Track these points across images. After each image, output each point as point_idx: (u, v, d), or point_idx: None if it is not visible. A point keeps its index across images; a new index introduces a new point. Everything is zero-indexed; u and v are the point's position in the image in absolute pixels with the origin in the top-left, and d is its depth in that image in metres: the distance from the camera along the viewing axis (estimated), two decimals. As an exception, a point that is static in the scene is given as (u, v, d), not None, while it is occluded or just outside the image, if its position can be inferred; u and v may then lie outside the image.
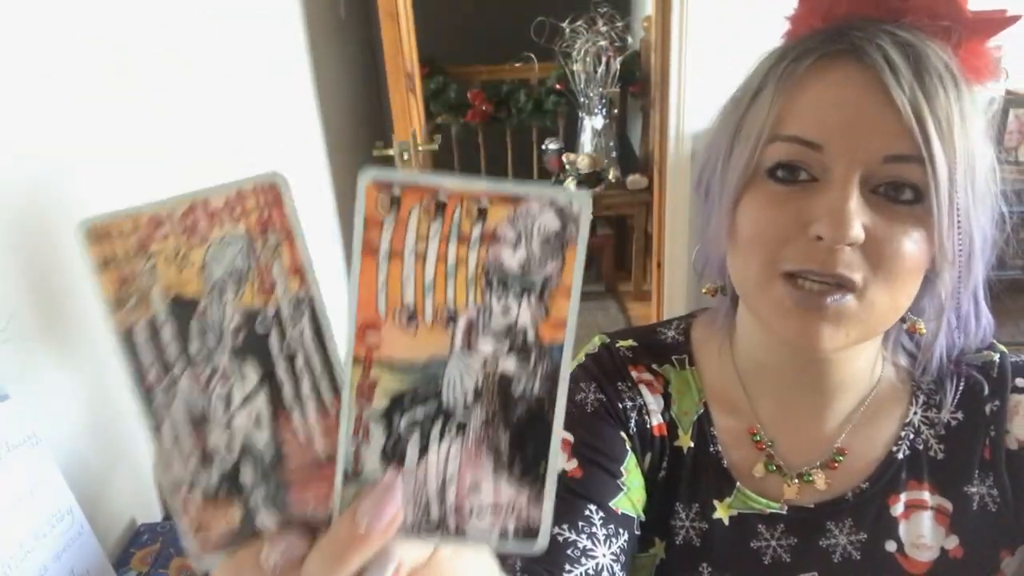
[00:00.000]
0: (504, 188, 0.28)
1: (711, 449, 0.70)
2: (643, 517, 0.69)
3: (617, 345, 0.74)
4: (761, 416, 0.70)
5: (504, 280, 0.29)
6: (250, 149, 1.72)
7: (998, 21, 0.56)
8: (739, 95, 0.61)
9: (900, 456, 0.67)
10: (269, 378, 0.30)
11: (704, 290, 0.69)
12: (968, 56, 0.56)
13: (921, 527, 0.65)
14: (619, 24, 3.28)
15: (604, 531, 0.64)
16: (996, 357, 0.66)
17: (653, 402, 0.71)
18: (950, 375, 0.67)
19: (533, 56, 3.40)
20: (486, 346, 0.29)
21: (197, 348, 0.30)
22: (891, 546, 0.65)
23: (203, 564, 0.31)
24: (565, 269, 0.28)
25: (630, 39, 3.63)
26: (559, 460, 0.29)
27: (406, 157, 2.29)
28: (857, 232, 0.52)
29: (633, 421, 0.70)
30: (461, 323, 0.29)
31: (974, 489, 0.65)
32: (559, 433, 0.30)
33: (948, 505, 0.65)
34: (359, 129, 2.84)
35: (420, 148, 2.41)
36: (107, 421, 1.10)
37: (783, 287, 0.56)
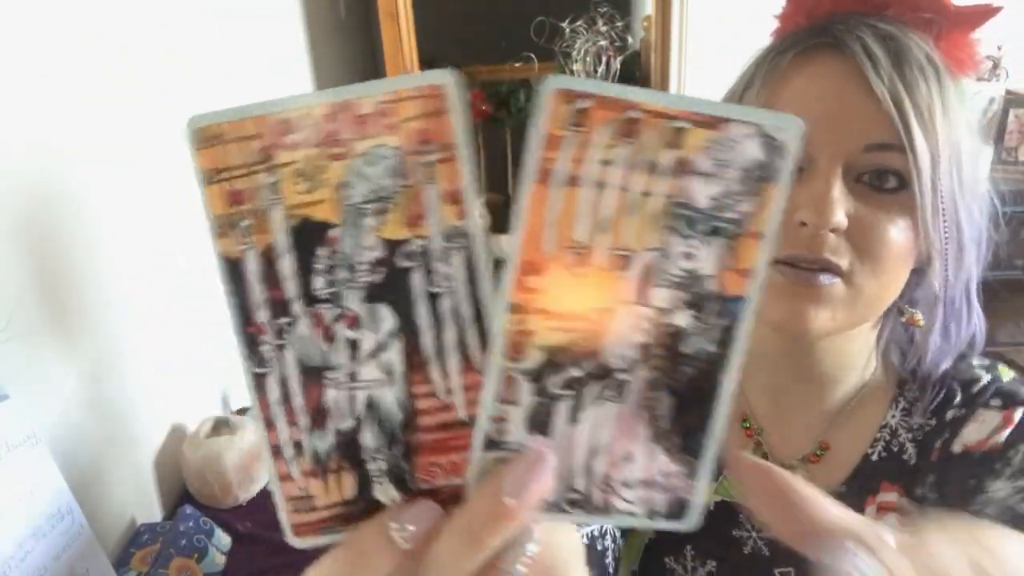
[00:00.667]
0: (707, 108, 0.23)
1: None
2: None
3: None
4: (753, 404, 0.71)
5: (691, 219, 0.24)
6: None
7: (980, 13, 0.57)
8: (732, 91, 0.62)
9: (875, 458, 0.67)
10: (407, 325, 0.25)
11: None
12: (951, 48, 0.57)
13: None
14: (619, 24, 3.27)
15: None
16: (986, 379, 0.65)
17: None
18: (934, 384, 0.67)
19: (533, 56, 3.39)
20: (660, 295, 0.25)
21: (323, 284, 0.25)
22: None
23: (303, 545, 0.27)
24: (762, 210, 0.24)
25: (630, 39, 3.63)
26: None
27: (406, 157, 2.29)
28: (840, 218, 0.53)
29: None
30: (636, 267, 0.24)
31: (920, 491, 0.66)
32: (728, 401, 0.26)
33: (910, 508, 0.66)
34: (359, 129, 2.84)
35: (420, 148, 2.41)
36: (107, 420, 1.10)
37: (773, 269, 0.57)
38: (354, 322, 0.25)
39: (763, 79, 0.57)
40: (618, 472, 0.26)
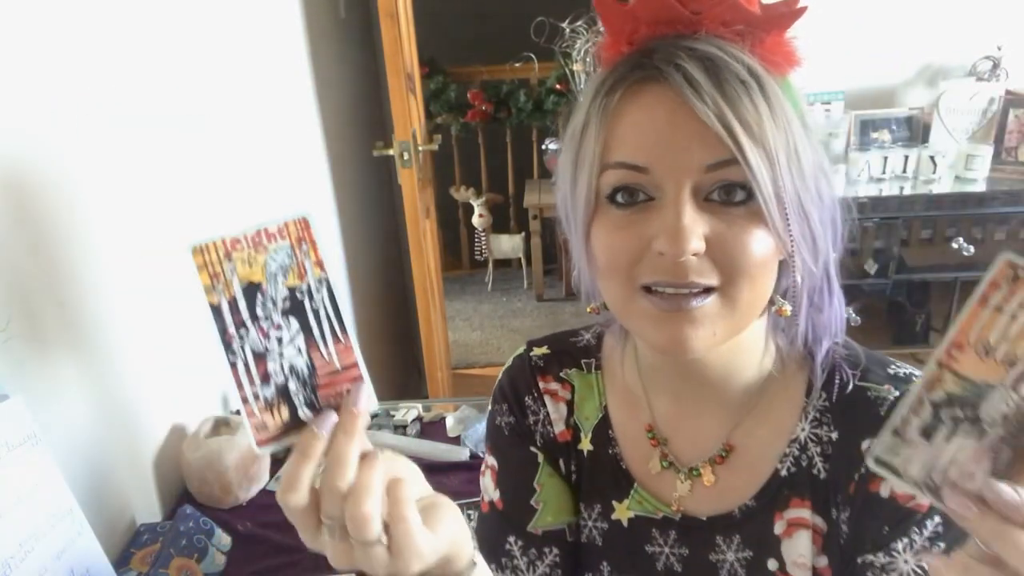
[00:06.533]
0: None
1: (610, 451, 0.74)
2: (573, 518, 0.76)
3: (532, 354, 0.79)
4: (657, 414, 0.72)
5: None
6: (250, 149, 1.72)
7: (788, 15, 0.58)
8: (572, 130, 0.64)
9: (784, 473, 0.67)
10: (304, 325, 0.49)
11: (588, 309, 0.71)
12: (768, 52, 0.59)
13: (800, 545, 0.66)
14: (619, 24, 3.28)
15: (525, 558, 0.73)
16: (892, 397, 0.65)
17: (555, 411, 0.76)
18: (841, 388, 0.66)
19: (533, 56, 3.40)
20: None
21: (261, 312, 0.48)
22: (773, 564, 0.67)
23: (263, 452, 0.49)
24: None
25: (630, 39, 3.63)
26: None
27: (406, 157, 2.29)
28: (695, 244, 0.55)
29: (539, 434, 0.76)
30: (1018, 369, 0.41)
31: (838, 515, 0.66)
32: None
33: (823, 525, 0.66)
34: (359, 129, 2.84)
35: (420, 148, 2.41)
36: (107, 421, 1.10)
37: (645, 299, 0.59)
38: (278, 327, 0.49)
39: (598, 118, 0.59)
40: (961, 481, 0.42)
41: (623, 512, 0.73)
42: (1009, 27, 2.19)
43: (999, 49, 2.19)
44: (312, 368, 0.49)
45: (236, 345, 0.48)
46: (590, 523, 0.74)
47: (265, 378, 0.48)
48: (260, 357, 0.48)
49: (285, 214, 0.48)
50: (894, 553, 0.62)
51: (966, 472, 0.42)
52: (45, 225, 0.99)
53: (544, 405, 0.77)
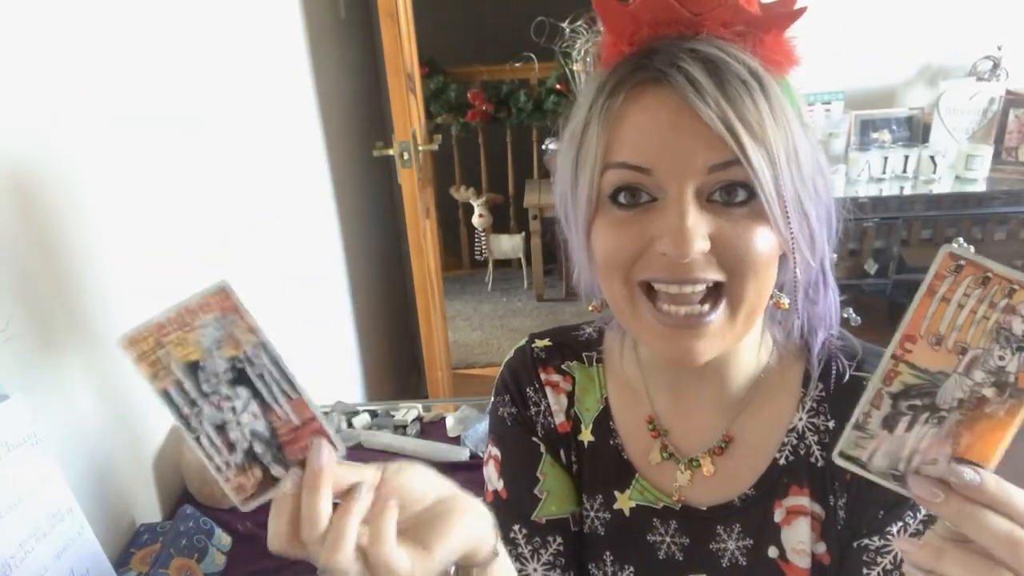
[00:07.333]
0: None
1: (611, 442, 0.75)
2: (576, 508, 0.76)
3: (533, 346, 0.80)
4: (658, 406, 0.74)
5: (1008, 338, 0.42)
6: (249, 149, 1.72)
7: (787, 15, 0.59)
8: (573, 129, 0.64)
9: (783, 462, 0.69)
10: (253, 391, 0.50)
11: (590, 307, 0.72)
12: (768, 52, 0.59)
13: (799, 533, 0.68)
14: (619, 24, 3.28)
15: (529, 547, 0.74)
16: None
17: (556, 403, 0.77)
18: (837, 378, 0.68)
19: (533, 56, 3.40)
20: (978, 375, 0.43)
21: (208, 388, 0.49)
22: (773, 552, 0.68)
23: (247, 509, 0.51)
24: None
25: (630, 39, 3.63)
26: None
27: (406, 157, 2.29)
28: (699, 246, 0.56)
29: (540, 425, 0.77)
30: (968, 356, 0.43)
31: (835, 502, 0.67)
32: (1004, 445, 0.43)
33: (821, 511, 0.68)
34: (359, 129, 2.84)
35: (420, 148, 2.41)
36: (107, 421, 1.10)
37: (648, 310, 0.60)
38: (227, 399, 0.50)
39: (599, 119, 0.59)
40: (925, 468, 0.44)
41: (625, 502, 0.74)
42: (1009, 27, 2.18)
43: (999, 49, 2.19)
44: (272, 429, 0.50)
45: (195, 423, 0.49)
46: (592, 513, 0.75)
47: (230, 447, 0.50)
48: (220, 428, 0.50)
49: (202, 288, 0.48)
50: (888, 536, 0.64)
51: (928, 459, 0.44)
52: (46, 225, 0.99)
53: (545, 396, 0.77)
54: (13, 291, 0.92)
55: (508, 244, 4.19)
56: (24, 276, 0.94)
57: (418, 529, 0.51)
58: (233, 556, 1.16)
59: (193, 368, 0.49)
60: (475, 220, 4.08)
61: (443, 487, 0.54)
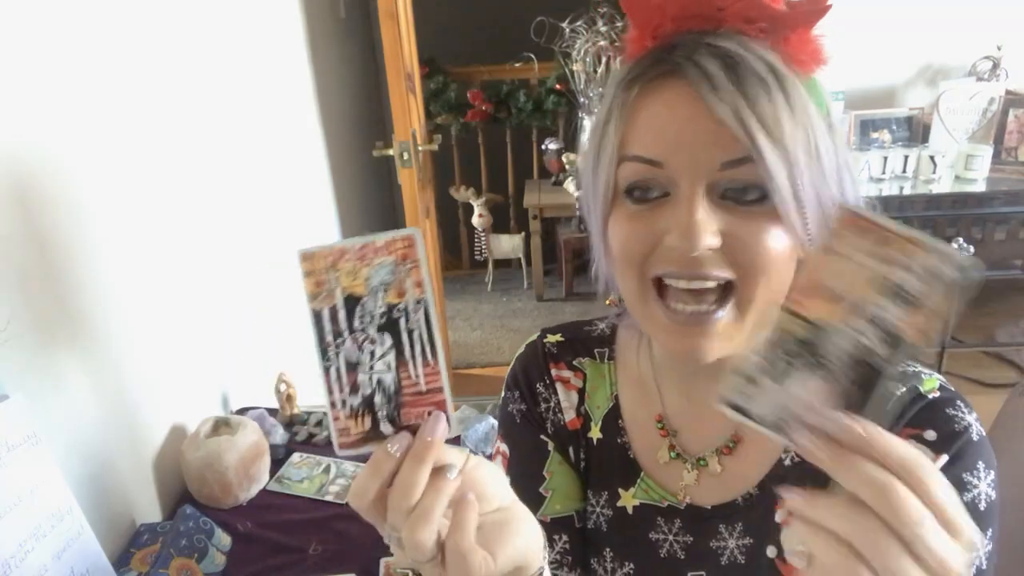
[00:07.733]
0: (927, 239, 0.41)
1: (619, 440, 0.75)
2: (581, 505, 0.77)
3: (545, 340, 0.80)
4: (668, 405, 0.74)
5: (894, 291, 0.42)
6: (249, 148, 1.72)
7: (813, 12, 0.58)
8: (596, 122, 0.64)
9: (788, 463, 0.69)
10: (397, 343, 0.50)
11: (607, 301, 0.72)
12: (792, 50, 0.58)
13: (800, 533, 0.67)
14: (619, 24, 3.28)
15: None
16: (898, 392, 0.65)
17: (566, 399, 0.78)
18: None
19: (533, 56, 3.39)
20: (864, 325, 0.43)
21: (358, 324, 0.50)
22: (771, 551, 0.68)
23: (343, 454, 0.51)
24: (940, 302, 0.41)
25: (630, 39, 3.62)
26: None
27: (406, 157, 2.29)
28: (709, 241, 0.55)
29: (550, 422, 0.78)
30: (855, 306, 0.43)
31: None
32: (887, 396, 0.43)
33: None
34: (359, 129, 2.84)
35: (420, 148, 2.41)
36: (107, 421, 1.10)
37: (659, 306, 0.60)
38: (372, 341, 0.50)
39: (618, 111, 0.60)
40: (806, 416, 0.44)
41: (628, 500, 0.74)
42: (1009, 27, 2.19)
43: (999, 49, 2.19)
44: (399, 386, 0.50)
45: (331, 352, 0.49)
46: (597, 509, 0.76)
47: (354, 388, 0.50)
48: (352, 367, 0.50)
49: (392, 232, 0.49)
50: None
51: (811, 408, 0.44)
52: (46, 225, 0.99)
53: (555, 392, 0.78)
54: (13, 291, 0.92)
55: (508, 244, 4.19)
56: (24, 276, 0.94)
57: (482, 531, 0.49)
58: (233, 556, 1.16)
59: (353, 302, 0.49)
60: (475, 220, 4.08)
61: (508, 493, 0.53)
